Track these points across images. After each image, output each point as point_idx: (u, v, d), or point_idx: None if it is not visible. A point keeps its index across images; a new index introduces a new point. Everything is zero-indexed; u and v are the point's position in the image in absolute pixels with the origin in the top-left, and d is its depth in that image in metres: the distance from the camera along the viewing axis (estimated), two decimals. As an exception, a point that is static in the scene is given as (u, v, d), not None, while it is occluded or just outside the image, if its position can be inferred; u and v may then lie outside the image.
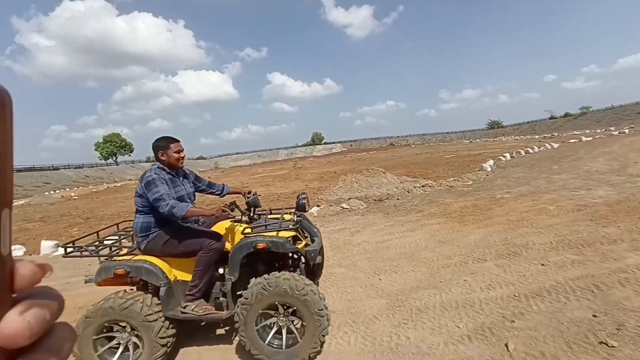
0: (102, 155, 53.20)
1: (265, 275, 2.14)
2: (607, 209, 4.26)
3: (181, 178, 2.50)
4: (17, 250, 6.45)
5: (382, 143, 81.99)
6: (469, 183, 7.70)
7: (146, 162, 65.51)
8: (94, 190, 28.35)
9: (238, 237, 2.32)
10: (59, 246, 6.37)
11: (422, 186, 7.74)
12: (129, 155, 58.15)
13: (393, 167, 16.53)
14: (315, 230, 2.59)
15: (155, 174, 2.26)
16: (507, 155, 12.77)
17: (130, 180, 41.58)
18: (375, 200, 6.82)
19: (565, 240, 3.39)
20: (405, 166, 16.17)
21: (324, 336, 2.08)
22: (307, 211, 2.49)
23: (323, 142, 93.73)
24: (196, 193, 2.65)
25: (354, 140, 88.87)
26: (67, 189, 31.69)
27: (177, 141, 2.44)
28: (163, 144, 2.38)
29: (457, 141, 54.27)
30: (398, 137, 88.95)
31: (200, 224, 2.56)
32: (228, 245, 2.34)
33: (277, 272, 2.18)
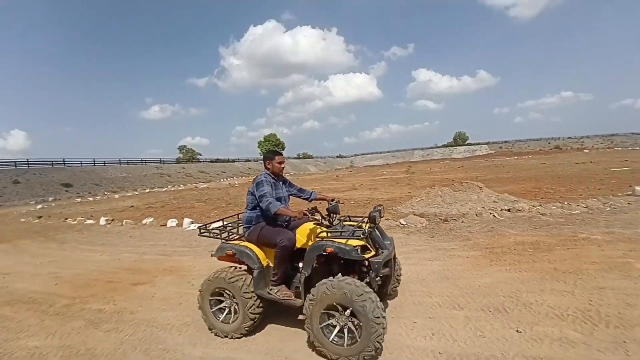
0: (262, 151, 65.10)
1: (332, 278, 2.38)
2: None
3: (281, 183, 3.03)
4: (171, 222, 9.29)
5: (543, 145, 66.83)
6: (576, 212, 5.96)
7: (296, 158, 75.77)
8: (250, 180, 35.37)
9: (314, 239, 2.63)
10: (191, 223, 8.86)
11: (518, 210, 6.52)
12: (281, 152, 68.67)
13: (521, 179, 13.84)
14: (387, 243, 2.70)
15: (264, 177, 2.86)
16: None
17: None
18: (442, 219, 6.29)
19: (589, 313, 2.55)
20: (538, 179, 13.26)
21: (379, 342, 2.22)
22: (378, 223, 2.67)
23: (467, 142, 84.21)
24: (291, 197, 3.15)
25: (505, 142, 75.87)
26: (235, 178, 40.69)
27: (281, 154, 3.03)
28: (271, 155, 2.97)
29: (664, 146, 38.69)
30: (571, 137, 70.44)
31: (289, 224, 2.95)
32: (308, 244, 2.65)
33: (345, 276, 2.39)
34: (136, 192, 25.90)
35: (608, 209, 6.14)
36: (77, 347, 2.81)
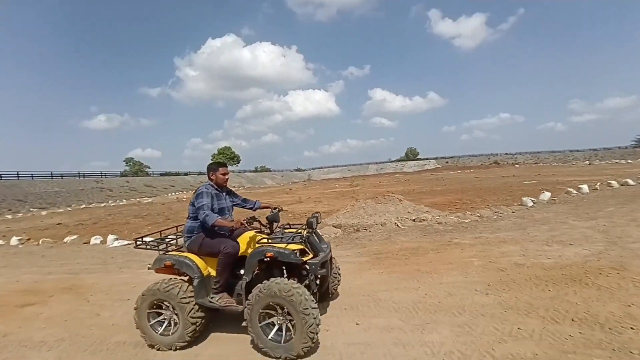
0: (215, 164, 63.31)
1: (265, 281, 2.53)
2: (555, 273, 3.49)
3: (224, 194, 3.10)
4: (95, 239, 8.85)
5: (484, 160, 73.36)
6: (467, 221, 6.86)
7: (253, 171, 74.72)
8: (199, 194, 34.15)
9: (255, 246, 2.73)
10: (115, 240, 8.53)
11: (422, 220, 7.28)
12: (237, 165, 67.45)
13: (451, 192, 15.23)
14: (324, 246, 2.89)
15: (205, 188, 2.91)
16: (587, 187, 10.30)
17: (234, 187, 48.25)
18: (355, 229, 6.83)
19: (418, 304, 3.07)
20: (464, 191, 14.71)
21: (313, 333, 2.36)
22: (315, 229, 2.87)
23: (417, 157, 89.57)
24: (235, 207, 3.23)
25: (451, 157, 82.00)
26: (184, 192, 39.08)
27: (225, 166, 3.11)
28: (214, 167, 3.04)
29: (575, 162, 44.63)
30: (507, 154, 78.14)
31: (233, 233, 2.97)
32: (248, 251, 2.76)
33: (278, 278, 2.56)
34: (69, 209, 23.87)
35: (495, 217, 7.12)
36: None
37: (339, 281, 3.48)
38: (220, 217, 2.78)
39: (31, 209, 23.84)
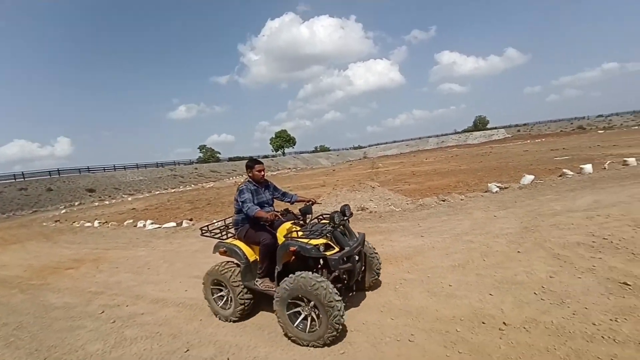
0: (273, 147, 68.05)
1: (291, 275, 2.68)
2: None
3: (263, 189, 3.36)
4: (140, 223, 11.70)
5: (566, 126, 63.83)
6: (411, 208, 7.50)
7: (312, 151, 77.42)
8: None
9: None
10: (151, 224, 11.20)
11: (364, 209, 8.14)
12: (292, 147, 71.09)
13: (463, 172, 14.91)
14: (351, 242, 2.89)
15: (245, 186, 3.21)
16: (591, 166, 9.46)
17: (289, 169, 51.19)
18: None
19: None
20: (478, 171, 14.35)
21: (337, 324, 2.49)
22: (341, 223, 2.90)
23: (486, 127, 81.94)
24: (275, 200, 3.49)
25: (524, 124, 73.02)
26: (242, 175, 43.35)
27: (260, 163, 3.33)
28: (250, 164, 3.30)
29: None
30: (600, 116, 66.61)
31: (274, 224, 3.18)
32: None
33: (305, 271, 2.69)
34: (148, 195, 29.28)
35: (437, 204, 7.65)
36: (4, 302, 5.09)
37: (377, 273, 3.46)
38: (259, 209, 3.05)
39: (123, 195, 29.93)
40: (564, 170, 9.52)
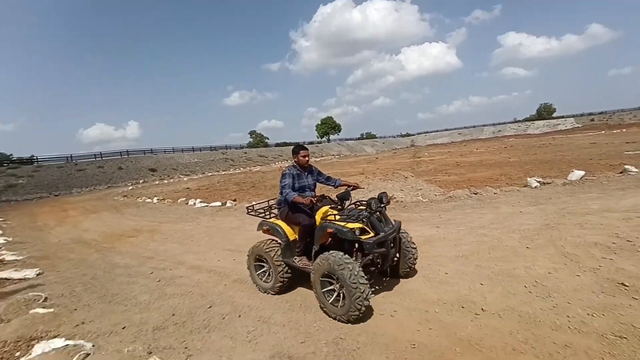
0: (319, 134, 68.81)
1: (325, 253, 2.83)
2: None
3: (306, 173, 3.50)
4: (191, 201, 13.08)
5: (652, 114, 55.00)
6: (439, 200, 7.47)
7: (358, 138, 76.96)
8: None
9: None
10: (200, 202, 12.47)
11: (418, 197, 8.28)
12: (338, 134, 71.13)
13: (512, 164, 14.03)
14: (387, 228, 2.98)
15: (287, 170, 3.38)
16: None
17: (333, 156, 51.60)
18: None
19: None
20: (527, 164, 13.43)
21: (360, 305, 2.59)
22: (377, 209, 3.00)
23: (552, 115, 73.93)
24: (318, 184, 3.64)
25: (601, 113, 64.36)
26: (288, 160, 44.84)
27: (305, 149, 3.49)
28: (296, 150, 3.46)
29: None
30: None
31: (313, 207, 3.34)
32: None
33: (334, 251, 2.80)
34: (202, 176, 31.88)
35: (466, 197, 7.54)
36: (85, 258, 6.32)
37: (412, 262, 3.48)
38: (297, 194, 3.22)
39: (180, 175, 32.94)
40: (627, 166, 8.61)
